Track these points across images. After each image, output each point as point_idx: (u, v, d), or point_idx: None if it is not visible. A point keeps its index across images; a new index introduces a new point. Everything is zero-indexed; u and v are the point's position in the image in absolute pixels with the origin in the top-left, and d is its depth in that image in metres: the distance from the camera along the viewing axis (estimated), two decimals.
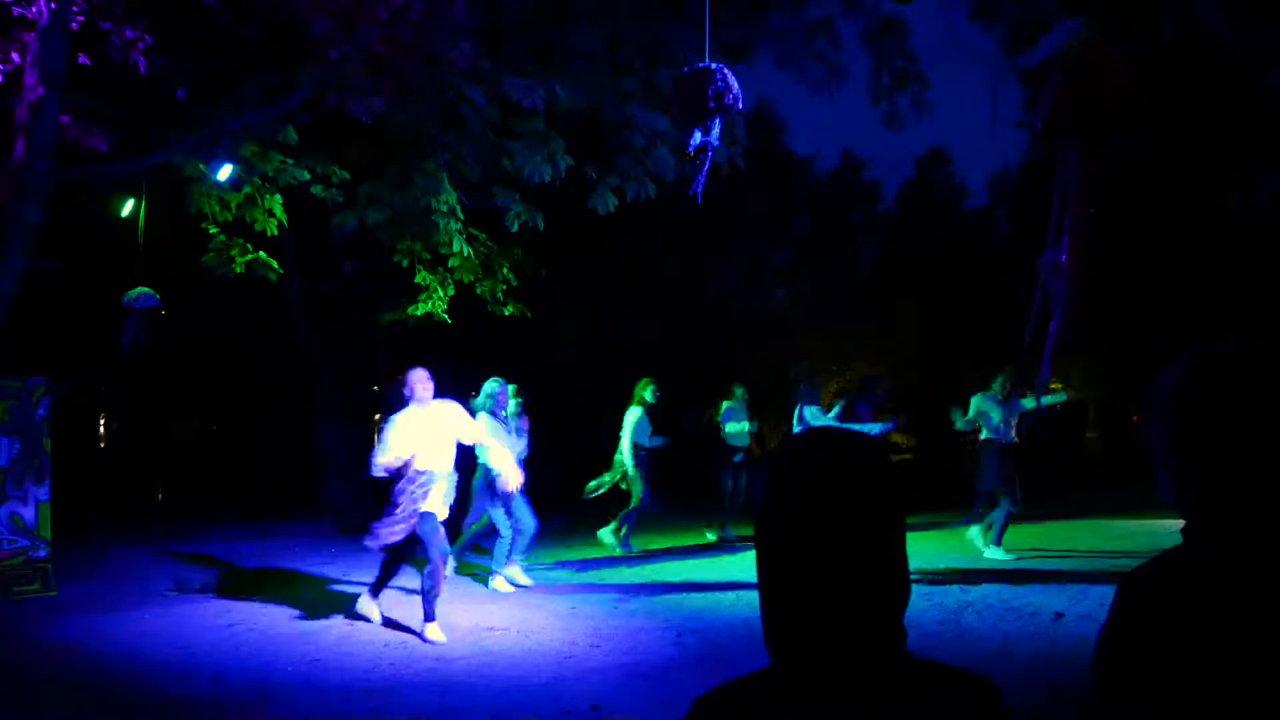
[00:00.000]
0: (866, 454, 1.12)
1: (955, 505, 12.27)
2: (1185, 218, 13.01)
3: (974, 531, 8.76)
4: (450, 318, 10.33)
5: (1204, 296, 14.82)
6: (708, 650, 5.75)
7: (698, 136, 5.71)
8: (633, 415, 9.11)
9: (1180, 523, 1.18)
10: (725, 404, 10.46)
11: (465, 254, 9.42)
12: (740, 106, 5.80)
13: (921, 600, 6.71)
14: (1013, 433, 8.56)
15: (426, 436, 6.14)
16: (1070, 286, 5.92)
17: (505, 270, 10.29)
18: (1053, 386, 8.98)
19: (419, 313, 10.09)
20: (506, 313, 10.43)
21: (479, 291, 10.29)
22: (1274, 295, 12.56)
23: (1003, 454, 8.53)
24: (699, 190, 5.91)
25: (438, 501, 6.21)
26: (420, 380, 6.32)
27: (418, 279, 9.98)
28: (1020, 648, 5.64)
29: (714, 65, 5.60)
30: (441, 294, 10.04)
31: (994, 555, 8.43)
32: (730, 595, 7.24)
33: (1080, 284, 5.90)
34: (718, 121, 5.68)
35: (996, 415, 8.51)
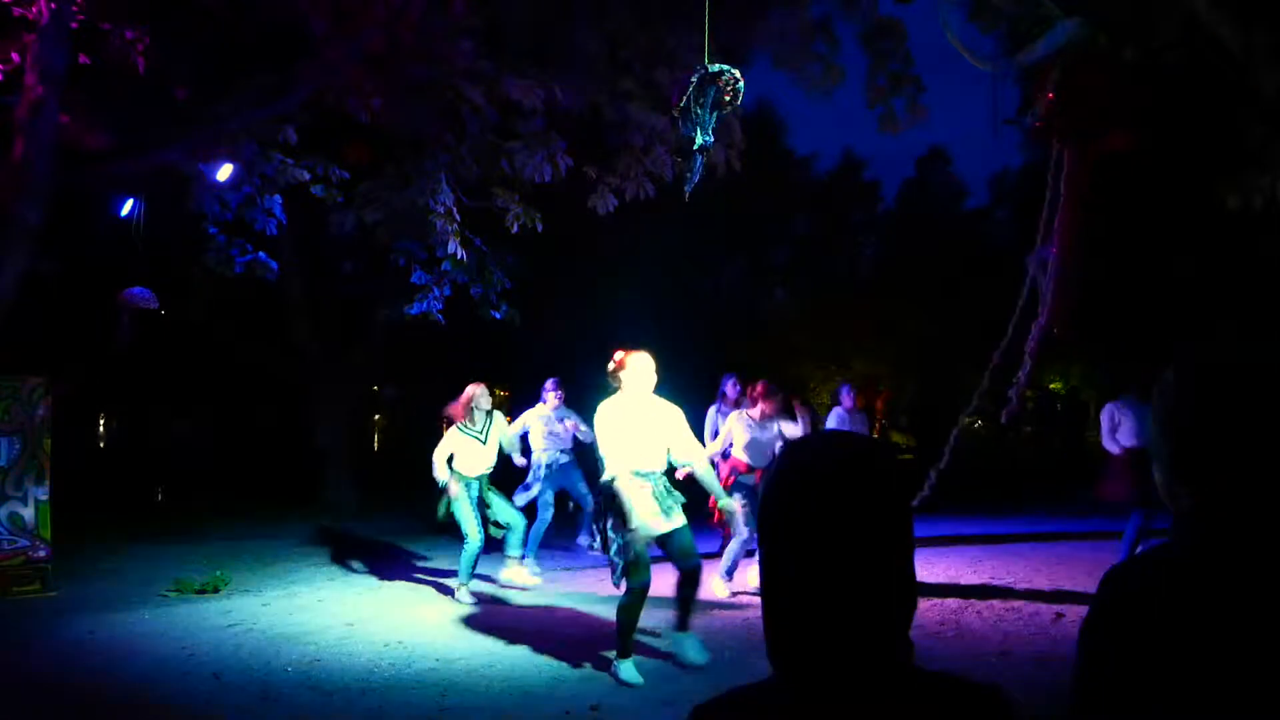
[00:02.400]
0: (875, 460, 1.11)
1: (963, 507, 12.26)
2: (1184, 217, 13.02)
3: None
4: (446, 317, 10.33)
5: (1204, 296, 14.83)
6: (705, 662, 5.74)
7: (699, 137, 5.72)
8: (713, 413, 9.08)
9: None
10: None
11: (459, 256, 9.43)
12: (737, 106, 5.80)
13: (921, 601, 6.71)
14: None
15: (644, 432, 5.21)
16: (1058, 283, 5.94)
17: (493, 278, 10.28)
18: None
19: (415, 312, 10.10)
20: (498, 316, 10.43)
21: (472, 293, 10.30)
22: (1270, 294, 12.57)
23: (1142, 462, 7.73)
24: (689, 190, 5.89)
25: (649, 509, 5.14)
26: (640, 366, 5.27)
27: (414, 279, 9.99)
28: (1020, 648, 5.65)
29: (721, 67, 5.60)
30: (438, 294, 10.05)
31: None
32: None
33: (1068, 280, 5.91)
34: (712, 122, 5.67)
35: (1134, 422, 7.73)
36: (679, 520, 5.26)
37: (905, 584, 1.08)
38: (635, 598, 5.17)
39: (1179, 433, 1.17)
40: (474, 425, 7.31)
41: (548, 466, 8.37)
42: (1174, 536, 1.17)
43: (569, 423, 8.40)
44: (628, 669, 5.17)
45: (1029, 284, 6.33)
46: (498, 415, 7.59)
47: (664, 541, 5.26)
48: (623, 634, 5.23)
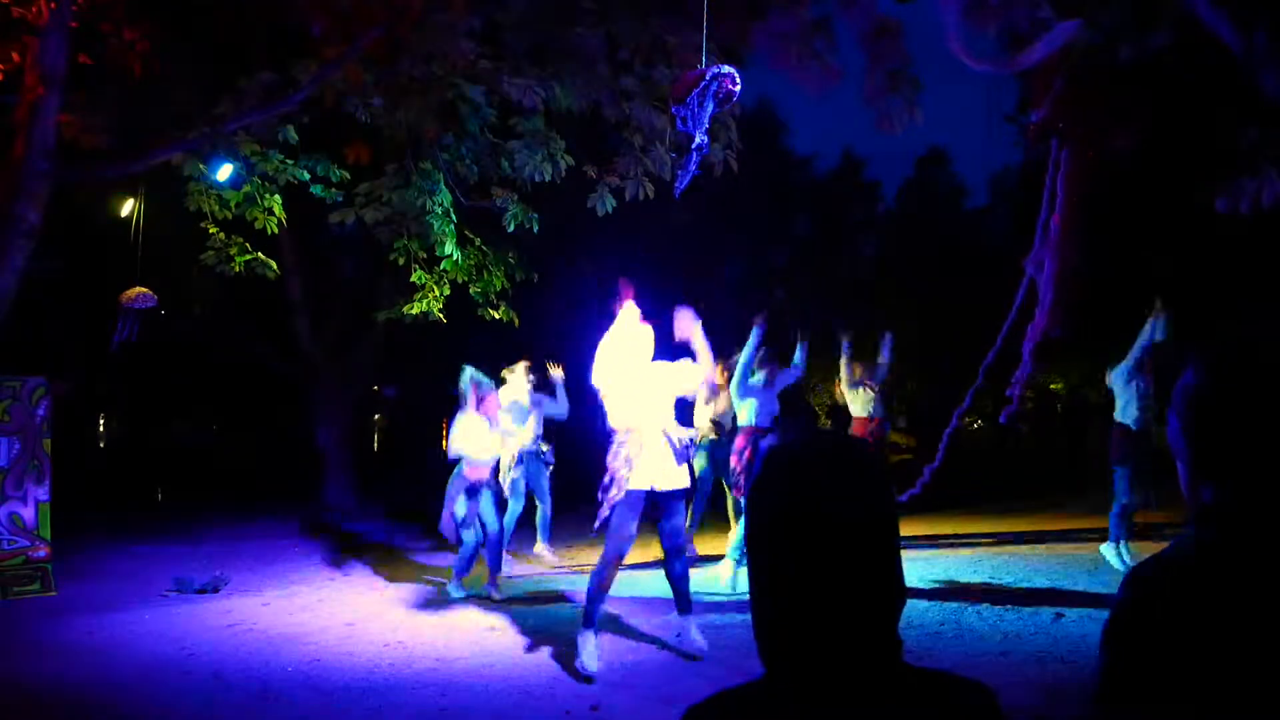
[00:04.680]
0: (861, 459, 1.11)
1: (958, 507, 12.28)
2: (1184, 217, 13.04)
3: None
4: (445, 317, 10.35)
5: (1207, 295, 14.83)
6: (706, 650, 5.74)
7: (697, 135, 5.72)
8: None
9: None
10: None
11: (455, 258, 9.43)
12: (732, 104, 5.80)
13: (921, 601, 6.72)
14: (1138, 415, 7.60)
15: (646, 388, 5.36)
16: (1055, 283, 5.95)
17: (494, 277, 10.29)
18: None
19: (414, 311, 10.09)
20: (497, 316, 10.44)
21: (472, 293, 10.30)
22: (1269, 295, 12.57)
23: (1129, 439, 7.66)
24: (681, 187, 5.91)
25: (653, 471, 5.25)
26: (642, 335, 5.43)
27: (414, 278, 9.99)
28: (1020, 647, 5.64)
29: (718, 68, 5.60)
30: (437, 293, 10.05)
31: (1107, 553, 7.64)
32: (729, 596, 7.24)
33: (1064, 280, 5.91)
34: (708, 120, 5.67)
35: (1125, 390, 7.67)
36: (678, 482, 5.34)
37: (893, 581, 1.08)
38: (607, 561, 5.27)
39: (1204, 426, 1.16)
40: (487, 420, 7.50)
41: (520, 452, 8.40)
42: (1196, 532, 1.17)
43: (535, 415, 8.47)
44: (587, 646, 5.21)
45: (1026, 285, 6.34)
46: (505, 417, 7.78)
47: (658, 505, 5.35)
48: (590, 600, 5.32)
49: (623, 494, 5.19)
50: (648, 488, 5.26)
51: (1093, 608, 6.36)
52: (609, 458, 5.29)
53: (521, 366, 8.55)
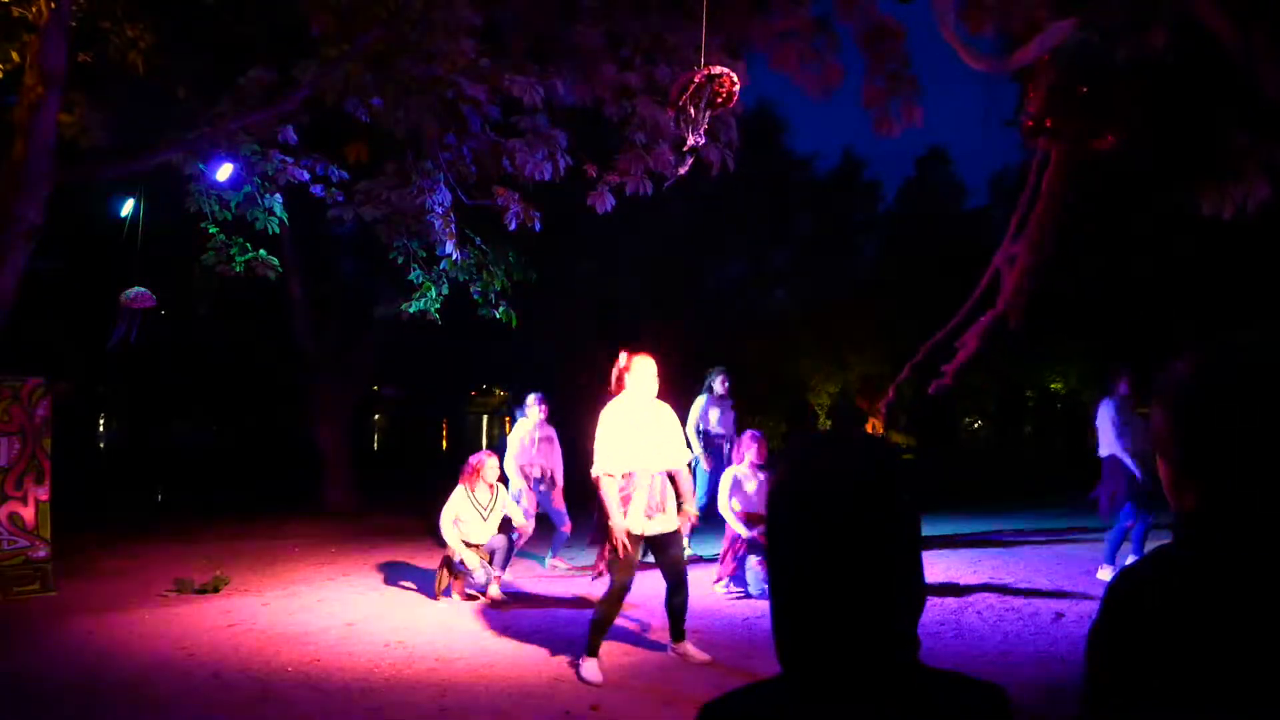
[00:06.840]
0: (881, 458, 1.11)
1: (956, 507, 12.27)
2: (1179, 219, 13.04)
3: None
4: (442, 317, 10.34)
5: (1203, 296, 14.83)
6: (706, 650, 5.74)
7: (692, 138, 5.73)
8: (697, 404, 9.02)
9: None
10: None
11: (455, 257, 9.43)
12: (734, 104, 5.80)
13: None
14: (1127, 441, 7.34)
15: (646, 432, 5.25)
16: (1018, 274, 5.97)
17: (494, 277, 10.28)
18: None
19: (413, 310, 10.09)
20: (497, 315, 10.44)
21: (471, 292, 10.30)
22: (1266, 297, 12.58)
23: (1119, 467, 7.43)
24: (668, 184, 5.92)
25: (642, 507, 5.17)
26: (645, 368, 5.32)
27: (411, 276, 9.98)
28: (1020, 648, 5.65)
29: (709, 70, 5.60)
30: (436, 293, 10.04)
31: (1103, 576, 7.50)
32: (724, 597, 7.24)
33: (1032, 274, 5.93)
34: (705, 121, 5.68)
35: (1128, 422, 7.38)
36: (673, 523, 5.31)
37: (913, 582, 1.08)
38: (613, 595, 5.19)
39: (1190, 427, 1.15)
40: (479, 499, 7.26)
41: (537, 481, 8.42)
42: (1179, 537, 1.16)
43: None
44: (590, 667, 5.18)
45: (989, 276, 6.38)
46: (503, 491, 7.53)
47: (656, 546, 5.33)
48: (594, 630, 5.25)
49: (621, 541, 5.07)
50: (645, 532, 5.18)
51: (1092, 609, 6.35)
52: (608, 497, 5.13)
53: (533, 398, 8.58)
